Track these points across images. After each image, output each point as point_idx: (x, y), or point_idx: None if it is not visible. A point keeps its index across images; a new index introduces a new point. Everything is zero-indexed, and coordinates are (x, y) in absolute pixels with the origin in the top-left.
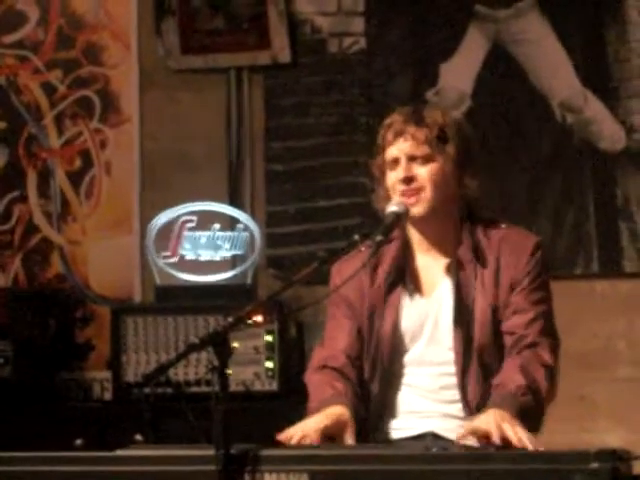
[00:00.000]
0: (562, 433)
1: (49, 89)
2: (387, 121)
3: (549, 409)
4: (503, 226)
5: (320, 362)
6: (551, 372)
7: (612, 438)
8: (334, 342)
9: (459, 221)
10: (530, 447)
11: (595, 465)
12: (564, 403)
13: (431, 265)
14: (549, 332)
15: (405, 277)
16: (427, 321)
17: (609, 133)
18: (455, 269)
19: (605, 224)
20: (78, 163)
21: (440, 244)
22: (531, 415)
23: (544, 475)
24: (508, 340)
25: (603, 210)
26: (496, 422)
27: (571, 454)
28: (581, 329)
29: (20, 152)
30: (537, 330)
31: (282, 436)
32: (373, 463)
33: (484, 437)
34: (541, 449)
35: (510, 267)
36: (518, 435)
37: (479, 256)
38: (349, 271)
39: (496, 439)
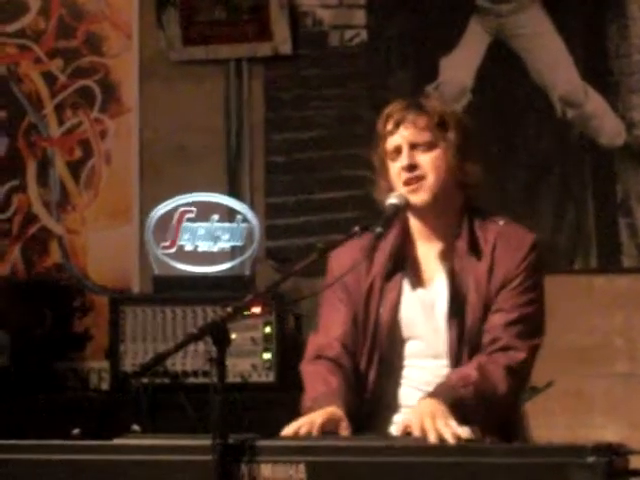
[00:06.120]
0: (559, 427)
1: (50, 78)
2: (386, 111)
3: (547, 403)
4: (501, 222)
5: (315, 351)
6: (519, 371)
7: (609, 433)
8: (329, 330)
9: (459, 211)
10: (450, 440)
11: (591, 459)
12: (562, 397)
13: (430, 254)
14: (528, 334)
15: (405, 265)
16: (425, 311)
17: (609, 128)
18: (451, 260)
19: (604, 220)
20: (78, 153)
21: (440, 233)
22: (471, 408)
23: (540, 468)
24: (484, 338)
25: (602, 205)
26: (419, 414)
27: (567, 448)
28: (579, 324)
29: (20, 141)
30: (513, 333)
31: (287, 431)
32: (370, 454)
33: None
34: (465, 442)
35: (504, 264)
36: (437, 427)
37: (475, 249)
38: (347, 257)
39: (416, 432)
